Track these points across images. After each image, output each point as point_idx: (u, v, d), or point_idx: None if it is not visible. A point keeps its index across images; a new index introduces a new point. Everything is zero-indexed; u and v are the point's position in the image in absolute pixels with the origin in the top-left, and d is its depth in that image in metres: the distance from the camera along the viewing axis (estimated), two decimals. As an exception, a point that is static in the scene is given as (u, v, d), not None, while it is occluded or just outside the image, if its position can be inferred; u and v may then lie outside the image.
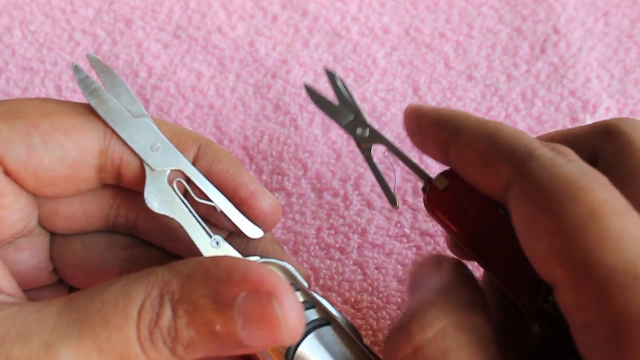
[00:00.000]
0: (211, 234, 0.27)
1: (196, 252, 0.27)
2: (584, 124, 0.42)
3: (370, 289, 0.36)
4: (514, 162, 0.24)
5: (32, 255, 0.29)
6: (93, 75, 0.29)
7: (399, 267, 0.37)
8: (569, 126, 0.42)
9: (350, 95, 0.30)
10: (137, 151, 0.27)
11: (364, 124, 0.29)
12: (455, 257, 0.27)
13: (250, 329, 0.23)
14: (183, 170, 0.27)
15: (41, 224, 0.29)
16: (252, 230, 0.28)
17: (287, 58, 0.46)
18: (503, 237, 0.26)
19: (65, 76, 0.45)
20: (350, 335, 0.26)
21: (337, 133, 0.42)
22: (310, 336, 0.25)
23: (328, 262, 0.37)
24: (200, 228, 0.27)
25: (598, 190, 0.21)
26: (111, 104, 0.27)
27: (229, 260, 0.24)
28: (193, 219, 0.27)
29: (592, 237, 0.20)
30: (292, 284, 0.26)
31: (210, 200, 0.27)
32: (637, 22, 0.48)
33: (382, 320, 0.35)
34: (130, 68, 0.46)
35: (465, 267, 0.25)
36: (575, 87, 0.44)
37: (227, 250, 0.27)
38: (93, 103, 0.27)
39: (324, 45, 0.47)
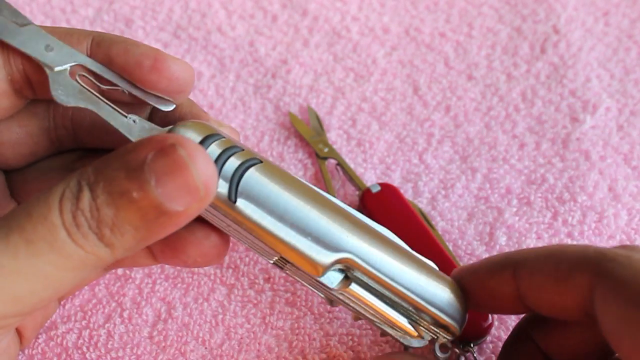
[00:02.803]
0: (126, 115, 0.27)
1: (120, 136, 0.27)
2: (584, 124, 0.42)
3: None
4: (591, 267, 0.24)
5: None
6: None
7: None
8: (569, 126, 0.42)
9: (321, 125, 0.42)
10: (33, 55, 0.27)
11: (326, 144, 0.41)
12: None
13: (164, 184, 0.23)
14: (82, 64, 0.28)
15: None
16: (163, 103, 0.28)
17: (287, 58, 0.46)
18: (420, 235, 0.36)
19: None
20: (286, 171, 0.27)
21: (337, 133, 0.42)
22: (246, 175, 0.26)
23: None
24: (115, 112, 0.27)
25: None
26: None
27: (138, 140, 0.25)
28: (105, 105, 0.27)
29: None
30: (211, 135, 0.26)
31: (116, 85, 0.28)
32: (637, 22, 0.48)
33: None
34: (130, 68, 0.46)
35: None
36: (576, 87, 0.44)
37: (145, 125, 0.27)
38: None
39: (324, 45, 0.47)
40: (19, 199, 0.31)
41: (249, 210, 0.26)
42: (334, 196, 0.37)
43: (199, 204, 0.24)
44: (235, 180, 0.26)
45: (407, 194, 0.39)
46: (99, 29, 0.48)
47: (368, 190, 0.38)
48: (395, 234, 0.36)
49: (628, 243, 0.37)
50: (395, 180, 0.40)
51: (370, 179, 0.40)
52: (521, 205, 0.39)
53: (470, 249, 0.37)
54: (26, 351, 0.33)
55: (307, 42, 0.47)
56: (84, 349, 0.33)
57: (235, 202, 0.26)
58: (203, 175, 0.24)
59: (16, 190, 0.31)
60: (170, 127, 0.27)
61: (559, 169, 0.40)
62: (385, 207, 0.37)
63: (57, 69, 0.27)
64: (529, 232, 0.38)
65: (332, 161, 0.41)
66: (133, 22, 0.48)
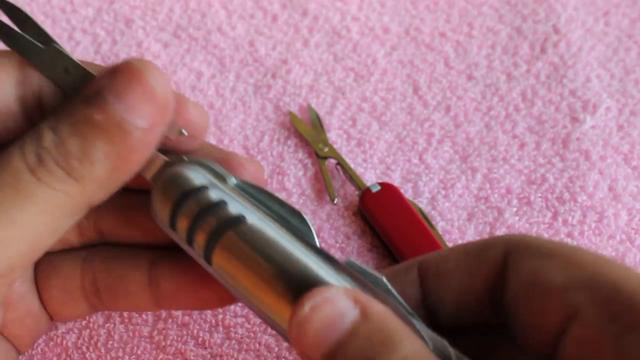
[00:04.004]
0: None
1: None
2: (584, 124, 0.42)
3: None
4: (503, 240, 0.24)
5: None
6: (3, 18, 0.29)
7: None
8: (569, 126, 0.42)
9: (321, 124, 0.42)
10: (51, 77, 0.27)
11: (326, 143, 0.41)
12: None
13: (123, 97, 0.23)
14: None
15: None
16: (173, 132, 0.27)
17: (287, 58, 0.46)
18: (420, 234, 0.36)
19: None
20: (271, 230, 0.24)
21: (337, 133, 0.42)
22: (219, 243, 0.24)
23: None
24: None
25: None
26: (19, 37, 0.27)
27: None
28: None
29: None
30: (210, 184, 0.25)
31: None
32: (637, 22, 0.48)
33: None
34: (130, 68, 0.46)
35: None
36: (576, 87, 0.44)
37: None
38: (3, 40, 0.27)
39: (324, 45, 0.47)
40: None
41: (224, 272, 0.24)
42: (334, 196, 0.39)
43: (161, 115, 0.23)
44: (211, 244, 0.24)
45: (407, 193, 0.39)
46: (98, 29, 0.48)
47: (368, 190, 0.38)
48: (395, 233, 0.36)
49: (628, 243, 0.37)
50: (395, 180, 0.40)
51: (370, 178, 0.40)
52: (521, 205, 0.39)
53: (470, 249, 0.37)
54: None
55: (307, 42, 0.47)
56: (84, 349, 0.33)
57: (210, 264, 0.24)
58: (161, 81, 0.23)
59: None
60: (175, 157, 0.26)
61: (559, 169, 0.40)
62: (385, 207, 0.37)
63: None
64: (529, 232, 0.38)
65: (332, 161, 0.41)
66: (133, 22, 0.48)
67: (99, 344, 0.33)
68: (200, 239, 0.24)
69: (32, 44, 0.26)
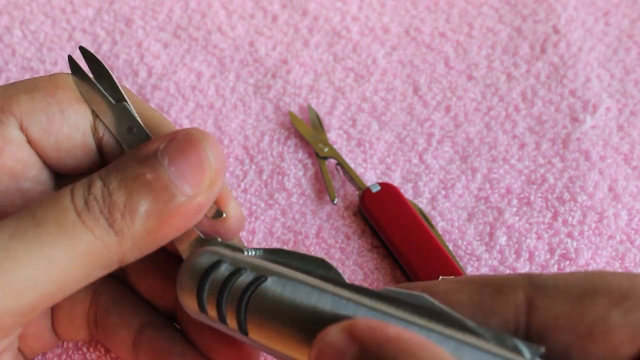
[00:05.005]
0: None
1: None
2: (584, 124, 0.42)
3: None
4: (524, 281, 0.24)
5: None
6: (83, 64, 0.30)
7: (399, 267, 0.37)
8: (569, 126, 0.42)
9: (321, 124, 0.42)
10: (115, 134, 0.28)
11: (326, 143, 0.41)
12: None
13: (177, 162, 0.24)
14: None
15: None
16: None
17: (287, 58, 0.46)
18: (420, 235, 0.35)
19: (65, 76, 0.45)
20: (291, 283, 0.24)
21: (337, 133, 0.42)
22: (251, 301, 0.24)
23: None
24: None
25: None
26: (95, 89, 0.28)
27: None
28: None
29: None
30: (225, 258, 0.25)
31: None
32: (637, 22, 0.48)
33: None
34: (130, 68, 0.46)
35: None
36: (576, 87, 0.44)
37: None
38: (80, 89, 0.28)
39: (324, 45, 0.47)
40: None
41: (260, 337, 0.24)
42: (334, 196, 0.39)
43: (209, 188, 0.24)
44: (242, 314, 0.24)
45: (407, 194, 0.39)
46: (98, 29, 0.48)
47: (368, 190, 0.38)
48: (396, 233, 0.36)
49: (628, 243, 0.37)
50: (395, 180, 0.40)
51: (370, 178, 0.40)
52: (521, 205, 0.39)
53: (470, 249, 0.37)
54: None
55: (307, 42, 0.47)
56: (84, 349, 0.33)
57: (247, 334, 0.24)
58: (216, 155, 0.24)
59: None
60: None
61: (559, 169, 0.40)
62: (385, 207, 0.37)
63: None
64: (529, 232, 0.38)
65: (332, 161, 0.41)
66: (133, 22, 0.48)
67: (99, 344, 0.33)
68: (230, 312, 0.24)
69: (104, 97, 0.28)
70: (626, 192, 0.39)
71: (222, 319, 0.25)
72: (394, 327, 0.21)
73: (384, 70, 0.45)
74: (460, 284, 0.25)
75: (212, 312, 0.25)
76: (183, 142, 0.24)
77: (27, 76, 0.45)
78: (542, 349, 0.21)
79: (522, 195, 0.39)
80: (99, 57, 0.29)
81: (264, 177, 0.40)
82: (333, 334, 0.21)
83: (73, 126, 0.27)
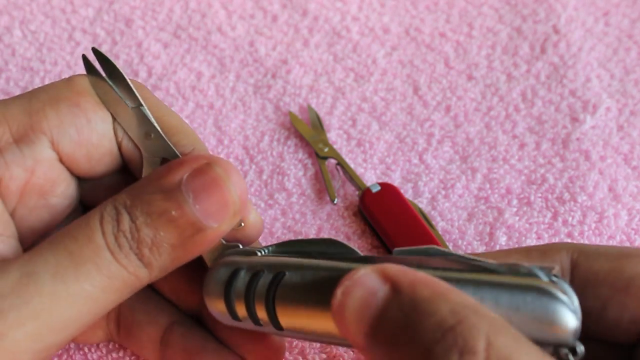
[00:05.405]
0: None
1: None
2: (584, 124, 0.42)
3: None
4: (566, 246, 0.26)
5: None
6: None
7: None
8: (569, 126, 0.42)
9: (321, 125, 0.42)
10: (133, 138, 0.28)
11: (326, 143, 0.41)
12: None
13: (202, 200, 0.24)
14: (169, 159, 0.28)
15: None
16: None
17: (287, 58, 0.46)
18: (420, 235, 0.36)
19: (66, 76, 0.45)
20: (309, 269, 0.25)
21: (337, 133, 0.42)
22: (277, 298, 0.25)
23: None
24: None
25: None
26: (112, 94, 0.28)
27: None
28: None
29: None
30: (242, 264, 0.26)
31: None
32: (637, 22, 0.48)
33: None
34: (130, 68, 0.46)
35: None
36: (576, 87, 0.44)
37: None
38: (96, 91, 0.28)
39: (324, 45, 0.47)
40: (87, 203, 0.31)
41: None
42: (334, 196, 0.39)
43: (232, 219, 0.25)
44: (271, 311, 0.25)
45: (407, 194, 0.40)
46: (98, 29, 0.48)
47: (368, 190, 0.38)
48: (396, 233, 0.36)
49: (628, 243, 0.37)
50: (395, 180, 0.40)
51: (370, 179, 0.40)
52: (521, 205, 0.39)
53: (470, 249, 0.37)
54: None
55: (307, 42, 0.47)
56: (85, 349, 0.33)
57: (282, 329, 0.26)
58: (239, 190, 0.25)
59: (84, 196, 0.31)
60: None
61: (559, 169, 0.40)
62: (385, 207, 0.37)
63: (150, 157, 0.28)
64: (529, 232, 0.38)
65: (332, 161, 0.41)
66: (133, 22, 0.48)
67: (101, 345, 0.33)
68: (260, 313, 0.26)
69: (121, 100, 0.28)
70: (626, 192, 0.39)
71: (255, 322, 0.26)
72: (421, 273, 0.21)
73: (384, 70, 0.45)
74: (506, 252, 0.26)
75: (245, 318, 0.26)
76: (208, 181, 0.25)
77: (27, 76, 0.45)
78: (556, 268, 0.22)
79: (522, 195, 0.39)
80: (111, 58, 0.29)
81: (264, 177, 0.40)
82: (362, 273, 0.21)
83: (101, 134, 0.28)
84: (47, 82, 0.45)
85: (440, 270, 0.23)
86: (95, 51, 0.29)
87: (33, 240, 0.28)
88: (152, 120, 0.28)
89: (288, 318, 0.25)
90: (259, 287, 0.25)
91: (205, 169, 0.25)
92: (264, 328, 0.26)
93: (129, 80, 0.28)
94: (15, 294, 0.23)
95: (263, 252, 0.27)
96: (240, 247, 0.28)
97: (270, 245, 0.27)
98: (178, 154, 0.28)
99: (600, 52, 0.46)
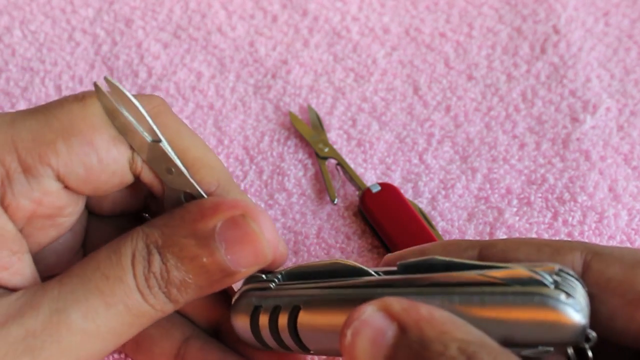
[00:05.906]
0: None
1: None
2: (584, 124, 0.42)
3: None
4: (580, 246, 0.25)
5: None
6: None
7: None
8: (569, 126, 0.42)
9: (321, 125, 0.42)
10: (154, 169, 0.27)
11: (326, 144, 0.41)
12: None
13: (234, 252, 0.25)
14: (192, 193, 0.28)
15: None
16: None
17: (287, 58, 0.46)
18: (420, 235, 0.36)
19: (66, 76, 0.45)
20: (320, 298, 0.26)
21: (337, 133, 0.42)
22: (298, 329, 0.27)
23: (328, 262, 0.37)
24: None
25: None
26: (129, 125, 0.26)
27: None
28: None
29: None
30: (261, 300, 0.28)
31: None
32: (637, 22, 0.48)
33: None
34: (130, 68, 0.46)
35: None
36: (576, 87, 0.44)
37: None
38: (115, 124, 0.27)
39: (324, 45, 0.47)
40: (91, 238, 0.31)
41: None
42: (334, 196, 0.39)
43: (262, 263, 0.26)
44: (296, 338, 0.27)
45: (407, 194, 0.39)
46: (98, 29, 0.48)
47: (368, 190, 0.38)
48: (396, 234, 0.36)
49: (628, 244, 0.37)
50: (395, 180, 0.40)
51: (370, 179, 0.40)
52: (521, 205, 0.39)
53: (470, 249, 0.37)
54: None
55: (307, 42, 0.47)
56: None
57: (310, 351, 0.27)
58: (272, 243, 0.26)
59: (89, 200, 0.31)
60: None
61: (559, 169, 0.40)
62: (385, 207, 0.37)
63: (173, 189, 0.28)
64: (529, 232, 0.38)
65: (332, 161, 0.41)
66: (133, 22, 0.48)
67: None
68: (288, 341, 0.27)
69: (143, 139, 0.26)
70: (626, 192, 0.39)
71: (285, 349, 0.28)
72: (424, 306, 0.22)
73: (384, 70, 0.45)
74: (518, 243, 0.26)
75: (276, 347, 0.28)
76: (242, 234, 0.25)
77: (27, 76, 0.45)
78: (557, 267, 0.23)
79: (522, 195, 0.39)
80: (120, 86, 0.26)
81: (264, 177, 0.40)
82: (369, 313, 0.22)
83: (111, 173, 0.27)
84: (47, 82, 0.45)
85: (443, 295, 0.23)
86: (108, 81, 0.26)
87: (39, 250, 0.28)
88: (173, 156, 0.27)
89: (313, 344, 0.27)
90: (280, 323, 0.27)
91: (240, 222, 0.25)
92: (294, 352, 0.28)
93: (144, 113, 0.26)
94: (47, 332, 0.24)
95: (276, 281, 0.28)
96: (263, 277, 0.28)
97: (281, 272, 0.28)
98: (203, 193, 0.27)
99: (600, 52, 0.46)
